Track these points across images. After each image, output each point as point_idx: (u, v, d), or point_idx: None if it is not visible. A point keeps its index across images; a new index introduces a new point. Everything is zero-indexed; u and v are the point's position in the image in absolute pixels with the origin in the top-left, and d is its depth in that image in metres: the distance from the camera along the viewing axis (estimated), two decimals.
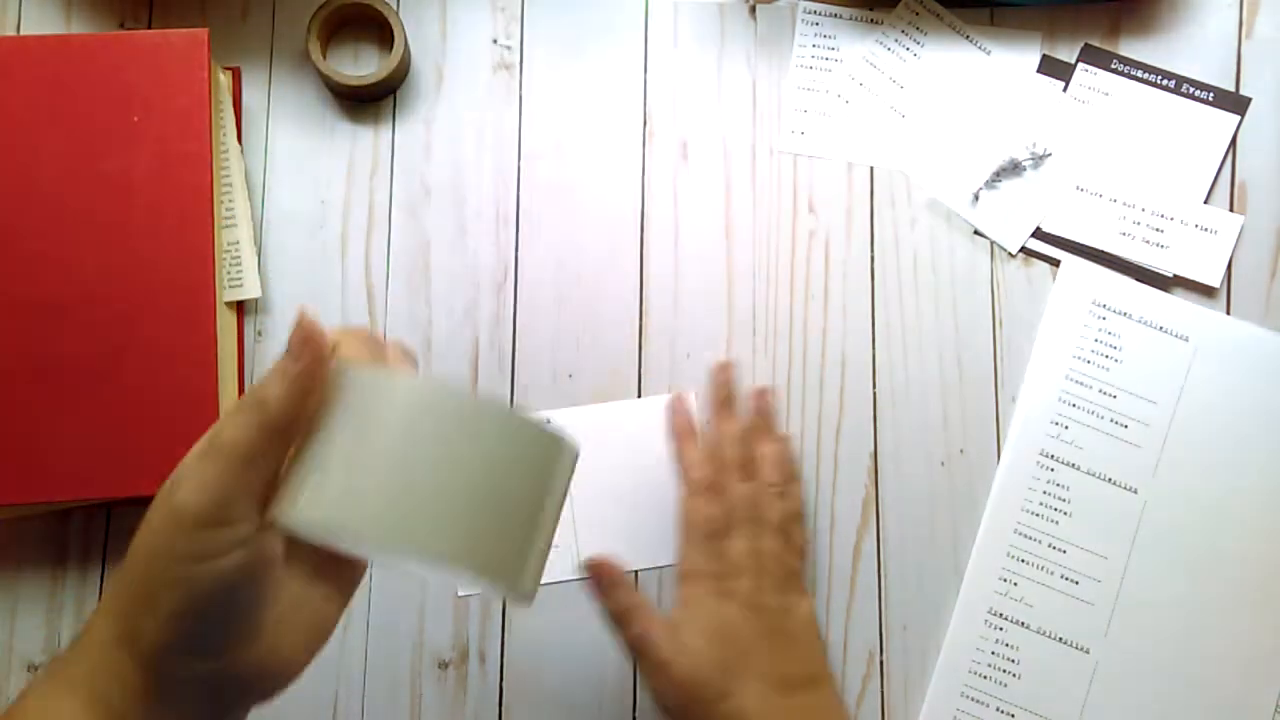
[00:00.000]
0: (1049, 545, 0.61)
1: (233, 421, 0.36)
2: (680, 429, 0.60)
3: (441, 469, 0.36)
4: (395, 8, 0.65)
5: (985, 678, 0.60)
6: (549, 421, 0.38)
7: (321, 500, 0.36)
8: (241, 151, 0.63)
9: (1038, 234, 0.64)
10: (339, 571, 0.40)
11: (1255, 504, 0.61)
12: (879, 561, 0.62)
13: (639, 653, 0.53)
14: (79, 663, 0.38)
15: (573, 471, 0.40)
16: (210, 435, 0.37)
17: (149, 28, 0.66)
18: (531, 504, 0.38)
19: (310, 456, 0.37)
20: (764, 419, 0.61)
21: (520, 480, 0.38)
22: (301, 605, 0.39)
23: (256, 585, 0.37)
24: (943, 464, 0.62)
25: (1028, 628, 0.60)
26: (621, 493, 0.61)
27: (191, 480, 0.36)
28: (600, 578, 0.54)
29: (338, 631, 0.40)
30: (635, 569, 0.61)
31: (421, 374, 0.35)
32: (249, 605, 0.37)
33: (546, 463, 0.39)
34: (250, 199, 0.64)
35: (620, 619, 0.53)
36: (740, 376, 0.63)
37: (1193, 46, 0.66)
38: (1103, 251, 0.64)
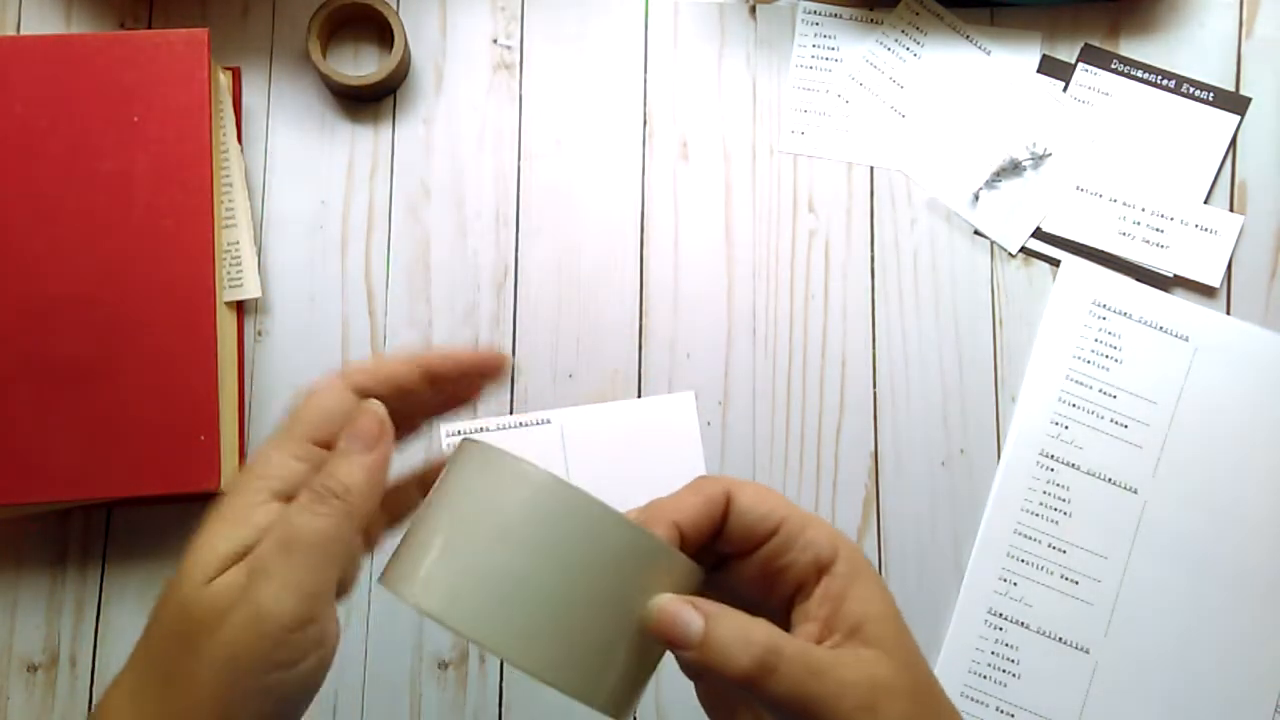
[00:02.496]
0: (1049, 545, 0.61)
1: (313, 513, 0.35)
2: None
3: (559, 579, 0.34)
4: (395, 8, 0.65)
5: (985, 678, 0.60)
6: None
7: (443, 591, 0.35)
8: (241, 151, 0.63)
9: (1038, 234, 0.64)
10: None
11: (1255, 504, 0.61)
12: (879, 562, 0.62)
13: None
14: None
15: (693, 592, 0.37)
16: (287, 530, 0.35)
17: (149, 28, 0.66)
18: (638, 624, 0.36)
19: (433, 533, 0.36)
20: None
21: (633, 599, 0.35)
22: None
23: (328, 668, 0.36)
24: (943, 464, 0.62)
25: (1028, 628, 0.60)
26: (621, 493, 0.61)
27: (277, 582, 0.34)
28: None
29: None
30: None
31: (546, 468, 0.35)
32: (317, 687, 0.36)
33: (669, 582, 0.36)
34: (250, 199, 0.64)
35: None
36: (741, 377, 0.63)
37: (1193, 46, 0.66)
38: (1103, 251, 0.64)
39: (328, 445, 0.37)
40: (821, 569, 0.37)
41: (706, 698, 0.39)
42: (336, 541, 0.35)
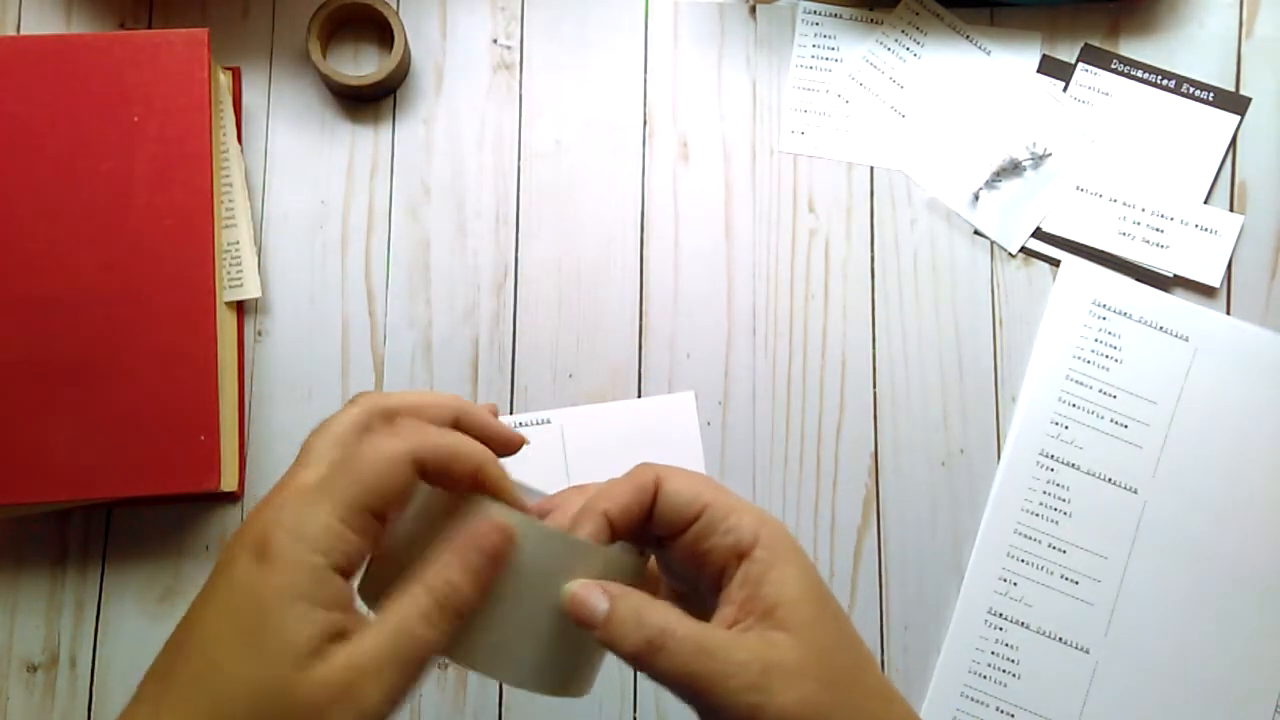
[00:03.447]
0: (1049, 545, 0.61)
1: (435, 629, 0.35)
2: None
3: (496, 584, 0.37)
4: (395, 8, 0.65)
5: (985, 678, 0.60)
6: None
7: (495, 659, 0.37)
8: (241, 151, 0.63)
9: (1038, 234, 0.64)
10: None
11: (1255, 504, 0.61)
12: (879, 561, 0.62)
13: None
14: None
15: None
16: (407, 641, 0.34)
17: (149, 28, 0.66)
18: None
19: (384, 555, 0.38)
20: None
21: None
22: None
23: None
24: (943, 464, 0.62)
25: (1028, 628, 0.60)
26: None
27: (386, 688, 0.33)
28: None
29: None
30: None
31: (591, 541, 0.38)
32: None
33: (598, 572, 0.40)
34: (250, 199, 0.64)
35: None
36: (741, 377, 0.63)
37: (1193, 46, 0.66)
38: (1103, 251, 0.64)
39: (379, 516, 0.36)
40: (742, 554, 0.38)
41: None
42: (440, 652, 0.35)
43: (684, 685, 0.35)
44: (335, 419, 0.38)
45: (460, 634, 0.36)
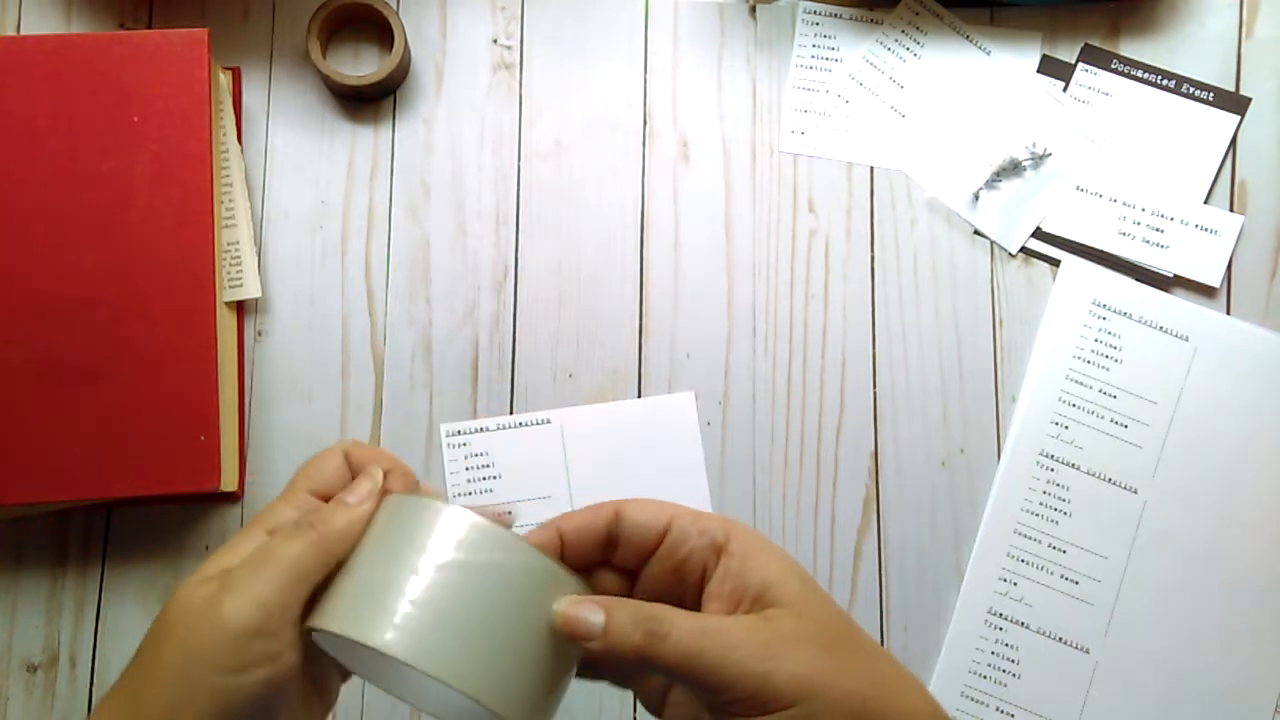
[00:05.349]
0: (1049, 545, 0.61)
1: (291, 542, 0.38)
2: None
3: (467, 599, 0.37)
4: (395, 8, 0.65)
5: (985, 678, 0.60)
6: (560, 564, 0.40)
7: (361, 617, 0.37)
8: (241, 151, 0.63)
9: (1038, 234, 0.64)
10: (324, 695, 0.42)
11: (1255, 504, 0.61)
12: (879, 561, 0.62)
13: None
14: None
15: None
16: (264, 550, 0.38)
17: (149, 28, 0.66)
18: (546, 641, 0.38)
19: (362, 577, 0.38)
20: None
21: (537, 619, 0.38)
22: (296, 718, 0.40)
23: (281, 697, 0.38)
24: (943, 464, 0.62)
25: (1028, 628, 0.60)
26: (621, 493, 0.61)
27: (240, 591, 0.37)
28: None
29: None
30: None
31: (457, 507, 0.39)
32: (268, 708, 0.37)
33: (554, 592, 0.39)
34: (250, 199, 0.64)
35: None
36: (741, 377, 0.63)
37: (1193, 46, 0.66)
38: (1103, 251, 0.64)
39: (326, 499, 0.41)
40: (718, 549, 0.39)
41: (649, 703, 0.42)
42: (303, 566, 0.37)
43: (692, 668, 0.36)
44: None
45: (332, 601, 0.37)
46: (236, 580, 0.37)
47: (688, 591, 0.40)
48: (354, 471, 0.42)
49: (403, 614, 0.36)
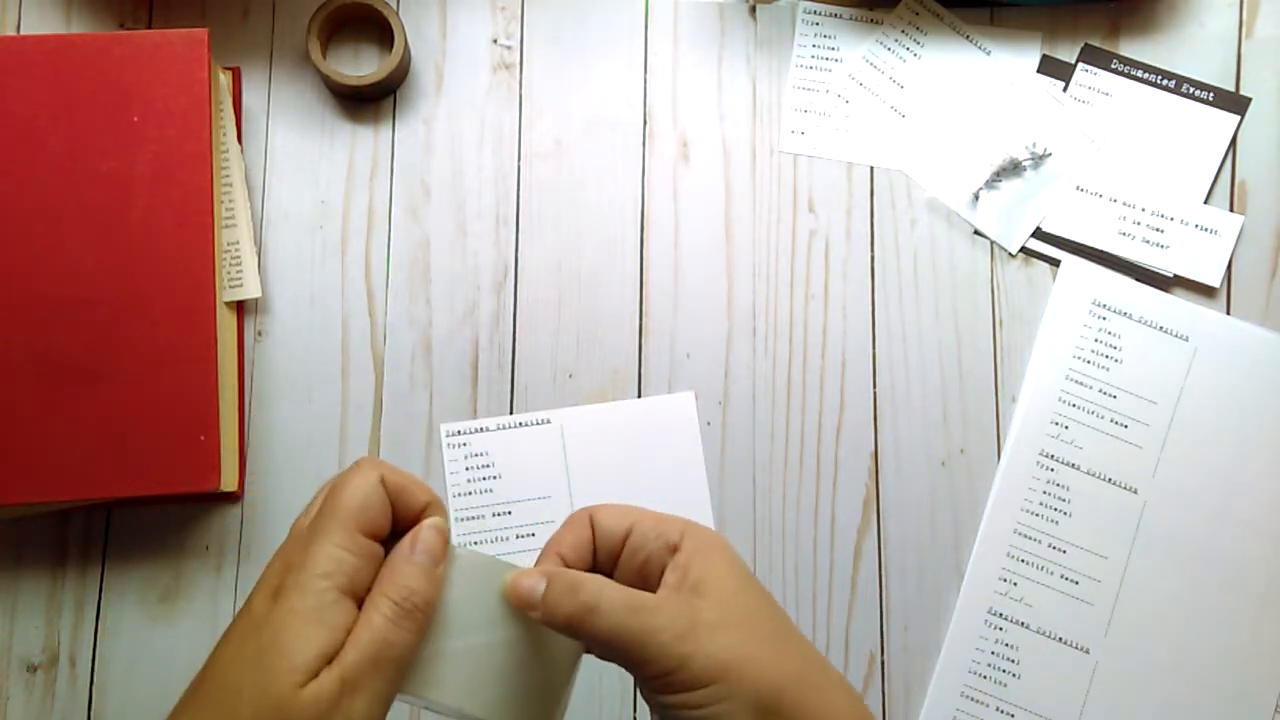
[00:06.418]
0: (1049, 545, 0.61)
1: (401, 628, 0.38)
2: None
3: (529, 656, 0.42)
4: (395, 8, 0.65)
5: (985, 678, 0.60)
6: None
7: (460, 687, 0.40)
8: (241, 151, 0.63)
9: (1038, 234, 0.64)
10: None
11: (1255, 504, 0.61)
12: (879, 561, 0.62)
13: None
14: None
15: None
16: (379, 645, 0.37)
17: (149, 28, 0.66)
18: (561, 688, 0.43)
19: (456, 645, 0.41)
20: None
21: (562, 671, 0.43)
22: None
23: None
24: (943, 464, 0.62)
25: (1028, 628, 0.60)
26: (621, 493, 0.61)
27: (369, 695, 0.37)
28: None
29: None
30: None
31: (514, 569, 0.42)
32: None
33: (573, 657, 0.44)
34: (250, 199, 0.64)
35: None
36: (741, 377, 0.63)
37: (1193, 46, 0.66)
38: (1103, 251, 0.64)
39: (372, 535, 0.40)
40: (673, 548, 0.42)
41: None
42: (411, 652, 0.39)
43: (618, 643, 0.39)
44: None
45: (430, 670, 0.40)
46: (362, 683, 0.37)
47: (652, 589, 0.42)
48: (391, 496, 0.41)
49: (483, 681, 0.41)
